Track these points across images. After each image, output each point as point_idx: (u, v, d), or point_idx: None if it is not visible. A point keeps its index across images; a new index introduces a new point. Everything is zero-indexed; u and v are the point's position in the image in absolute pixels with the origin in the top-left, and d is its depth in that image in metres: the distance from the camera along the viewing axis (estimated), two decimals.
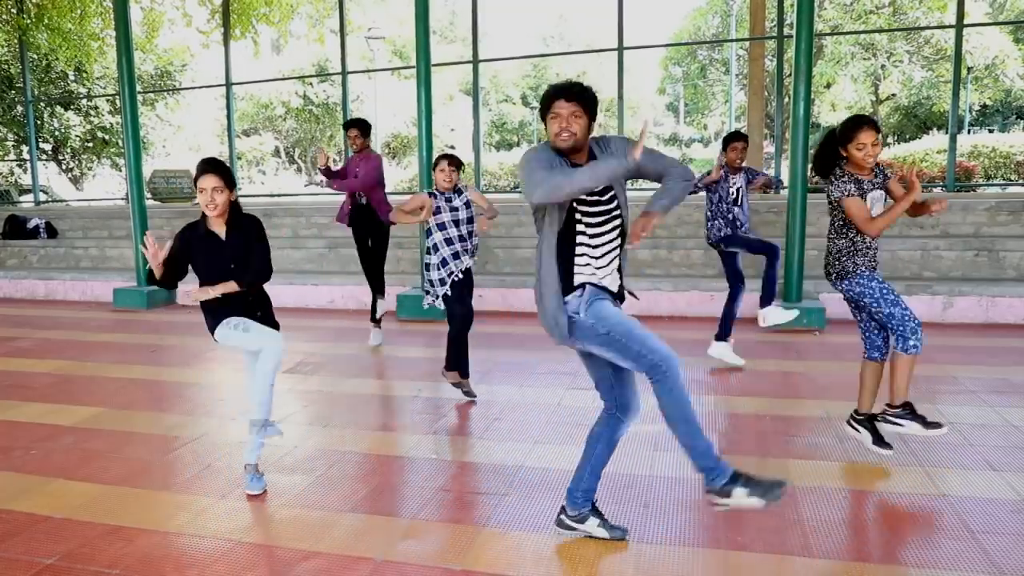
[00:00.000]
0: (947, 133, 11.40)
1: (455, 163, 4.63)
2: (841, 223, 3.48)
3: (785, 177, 7.42)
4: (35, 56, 17.83)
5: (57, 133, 21.30)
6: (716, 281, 7.68)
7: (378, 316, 6.42)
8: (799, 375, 5.19)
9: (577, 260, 2.62)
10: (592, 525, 2.83)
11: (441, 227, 4.56)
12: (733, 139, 5.31)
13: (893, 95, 27.56)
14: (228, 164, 3.34)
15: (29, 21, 14.31)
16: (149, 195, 13.90)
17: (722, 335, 5.44)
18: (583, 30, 42.74)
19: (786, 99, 11.13)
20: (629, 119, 26.30)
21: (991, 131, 25.17)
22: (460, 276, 4.57)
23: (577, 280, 2.63)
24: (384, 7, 31.68)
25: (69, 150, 22.42)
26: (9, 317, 8.55)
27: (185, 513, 3.18)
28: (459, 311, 4.59)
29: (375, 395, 4.98)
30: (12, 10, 14.37)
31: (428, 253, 4.59)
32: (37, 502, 3.32)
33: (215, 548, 2.88)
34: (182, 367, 5.84)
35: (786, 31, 10.72)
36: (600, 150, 2.65)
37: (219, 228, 3.24)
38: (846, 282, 3.47)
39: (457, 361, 4.64)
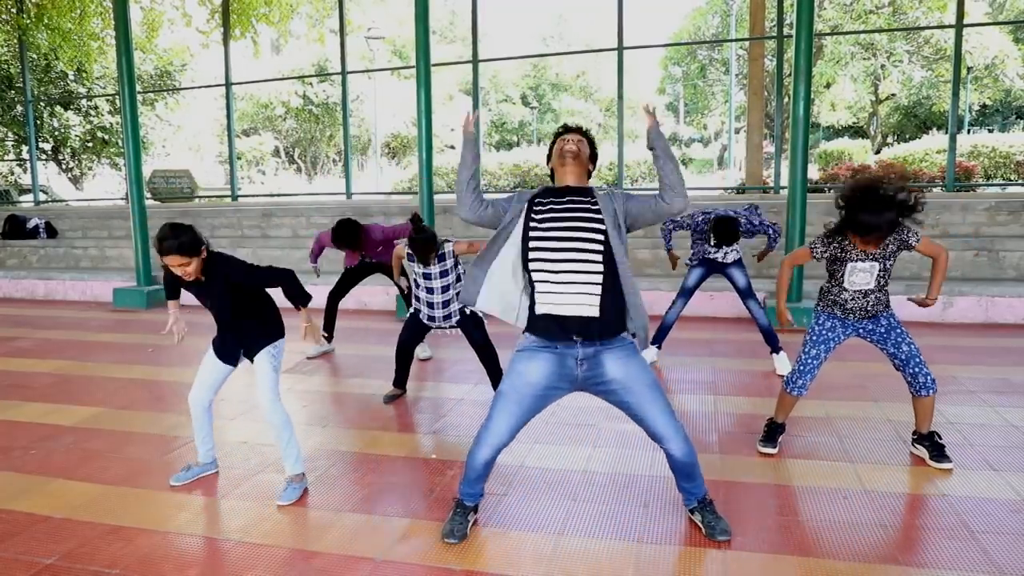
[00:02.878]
0: (947, 133, 11.41)
1: (425, 241, 4.34)
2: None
3: (784, 177, 7.42)
4: (35, 56, 17.83)
5: (57, 133, 21.30)
6: (715, 281, 7.68)
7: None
8: None
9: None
10: (697, 518, 2.93)
11: (417, 285, 4.54)
12: (723, 236, 5.04)
13: (893, 95, 27.57)
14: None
15: (29, 21, 14.31)
16: (149, 195, 13.92)
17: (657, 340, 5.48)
18: (583, 30, 42.76)
19: (786, 99, 11.14)
20: (629, 119, 26.29)
21: (990, 131, 25.18)
22: (428, 320, 4.58)
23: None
24: (384, 7, 31.69)
25: (69, 150, 22.41)
26: (9, 317, 8.55)
27: (185, 513, 3.18)
28: (403, 336, 4.67)
29: (375, 395, 4.98)
30: (12, 10, 14.37)
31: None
32: (37, 502, 3.32)
33: (215, 548, 2.88)
34: (182, 367, 5.84)
35: (786, 31, 10.72)
36: (605, 196, 2.70)
37: (207, 278, 3.29)
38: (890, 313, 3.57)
39: (398, 373, 4.75)
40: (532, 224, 2.67)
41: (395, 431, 4.25)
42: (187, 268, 3.12)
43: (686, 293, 5.35)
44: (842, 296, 3.48)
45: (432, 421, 4.40)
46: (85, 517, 3.15)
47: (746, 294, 5.20)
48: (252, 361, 3.39)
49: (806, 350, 3.59)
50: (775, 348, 5.25)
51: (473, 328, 4.54)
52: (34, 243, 11.50)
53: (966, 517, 2.98)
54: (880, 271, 3.40)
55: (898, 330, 3.47)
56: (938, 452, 3.50)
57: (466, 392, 4.90)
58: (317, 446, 4.02)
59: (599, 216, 2.63)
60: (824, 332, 3.56)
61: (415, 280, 4.55)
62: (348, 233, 5.74)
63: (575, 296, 2.60)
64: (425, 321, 4.60)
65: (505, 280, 2.73)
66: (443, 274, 4.46)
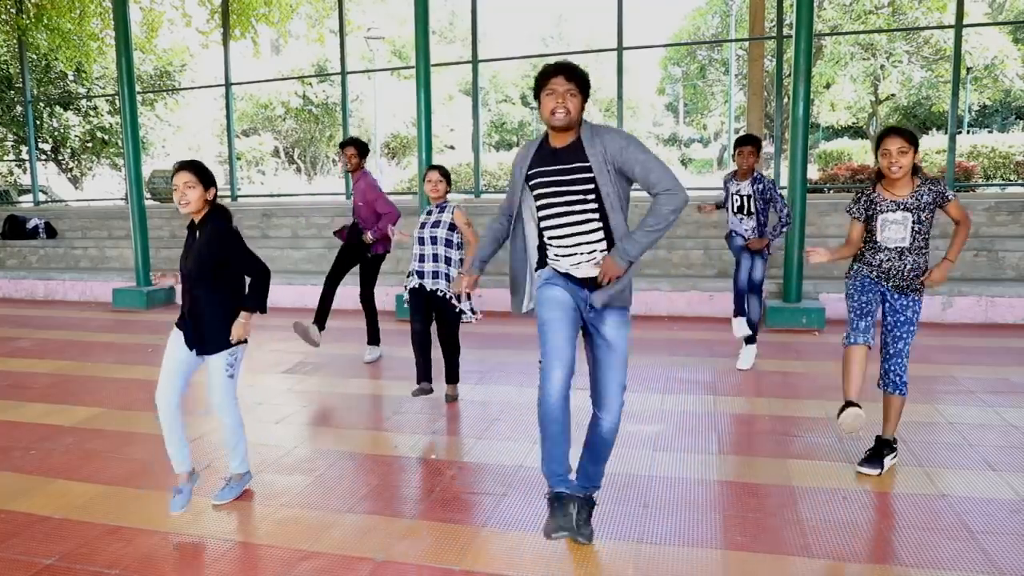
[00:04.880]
0: (947, 133, 11.41)
1: (444, 174, 4.56)
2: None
3: (784, 177, 7.42)
4: (34, 56, 17.81)
5: (56, 133, 21.28)
6: (715, 281, 7.69)
7: (369, 359, 5.88)
8: (799, 375, 5.19)
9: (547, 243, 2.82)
10: None
11: (420, 240, 4.55)
12: (740, 143, 5.09)
13: (892, 95, 27.56)
14: (208, 165, 3.28)
15: (28, 21, 14.30)
16: (148, 195, 13.90)
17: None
18: (583, 30, 42.72)
19: (785, 99, 11.13)
20: (629, 119, 26.31)
21: (990, 131, 25.18)
22: (419, 287, 4.50)
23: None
24: (384, 7, 31.68)
25: (68, 150, 22.40)
26: (9, 317, 8.55)
27: (185, 513, 3.17)
28: (413, 326, 4.56)
29: (375, 395, 4.98)
30: (11, 10, 14.36)
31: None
32: (37, 502, 3.32)
33: (215, 548, 2.88)
34: None
35: (786, 31, 10.72)
36: (592, 136, 2.68)
37: (200, 226, 3.18)
38: (917, 295, 3.43)
39: (421, 369, 4.59)
40: (537, 203, 2.76)
41: (395, 431, 4.25)
42: (191, 191, 3.06)
43: (741, 256, 5.23)
44: (876, 258, 3.35)
45: (432, 421, 4.40)
46: (85, 517, 3.15)
47: (755, 288, 5.23)
48: (205, 357, 3.18)
49: (855, 298, 3.41)
50: (750, 340, 5.31)
51: (452, 319, 4.54)
52: (34, 243, 11.49)
53: (966, 517, 2.98)
54: (914, 223, 3.25)
55: (911, 325, 3.37)
56: (874, 456, 3.41)
57: (466, 392, 4.89)
58: (317, 446, 4.02)
59: (588, 176, 2.64)
60: (868, 282, 3.40)
61: (417, 239, 4.56)
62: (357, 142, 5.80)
63: (582, 264, 2.72)
64: (416, 286, 4.49)
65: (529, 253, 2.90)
66: (435, 224, 4.49)
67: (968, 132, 23.62)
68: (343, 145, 5.82)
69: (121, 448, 4.02)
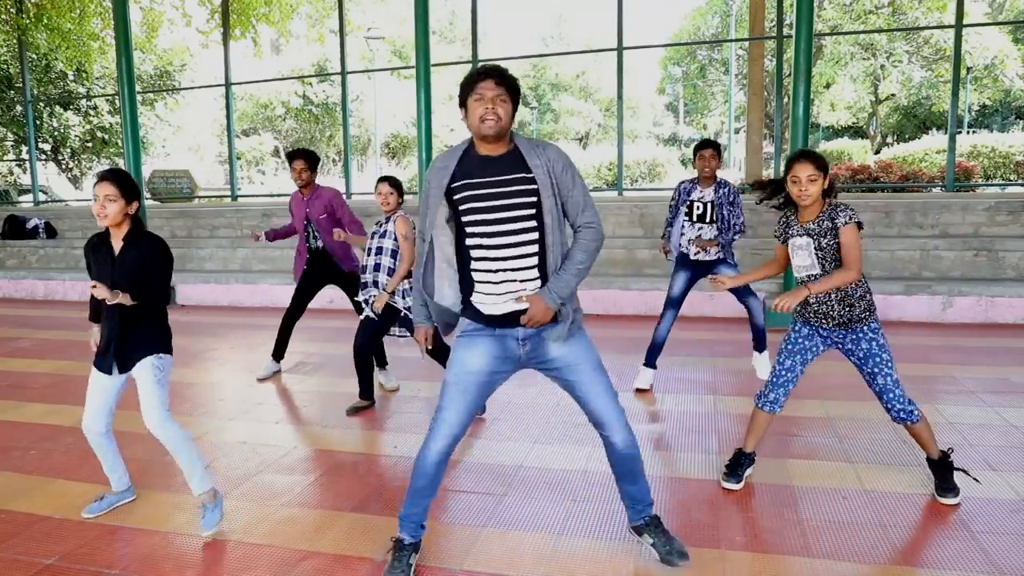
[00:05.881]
0: (946, 133, 11.41)
1: (395, 185, 4.46)
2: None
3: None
4: (34, 56, 17.83)
5: (56, 133, 21.29)
6: None
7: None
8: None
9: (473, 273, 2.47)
10: (646, 541, 2.71)
11: (368, 251, 4.53)
12: (701, 147, 4.76)
13: (892, 95, 27.57)
14: (130, 175, 3.04)
15: (28, 21, 14.31)
16: (148, 195, 13.92)
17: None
18: (583, 30, 42.71)
19: (786, 99, 11.14)
20: (629, 119, 26.31)
21: (990, 131, 25.18)
22: (365, 303, 4.50)
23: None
24: (384, 7, 31.67)
25: (68, 150, 22.41)
26: (9, 317, 8.55)
27: (185, 513, 3.17)
28: (358, 337, 4.53)
29: (374, 395, 4.98)
30: (11, 10, 14.37)
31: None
32: (37, 502, 3.32)
33: (215, 548, 2.88)
34: (181, 367, 5.83)
35: (786, 31, 10.73)
36: (532, 147, 2.43)
37: (116, 242, 2.97)
38: (872, 323, 3.15)
39: (361, 384, 4.59)
40: (464, 219, 2.42)
41: (394, 431, 4.25)
42: (111, 204, 2.87)
43: (673, 303, 4.84)
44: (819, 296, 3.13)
45: (431, 421, 4.39)
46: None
47: (744, 291, 4.88)
48: (127, 371, 3.05)
49: (780, 360, 3.26)
50: (760, 347, 5.10)
51: (372, 329, 4.50)
52: (34, 243, 11.49)
53: (966, 517, 2.98)
54: (817, 249, 3.05)
55: (878, 357, 3.08)
56: (944, 482, 3.15)
57: None
58: (317, 446, 4.02)
59: (531, 187, 2.38)
60: (800, 340, 3.22)
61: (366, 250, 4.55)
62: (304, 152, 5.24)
63: (509, 299, 2.44)
64: (362, 298, 4.50)
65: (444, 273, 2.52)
66: (382, 235, 4.47)
67: (968, 132, 23.62)
68: (291, 157, 5.21)
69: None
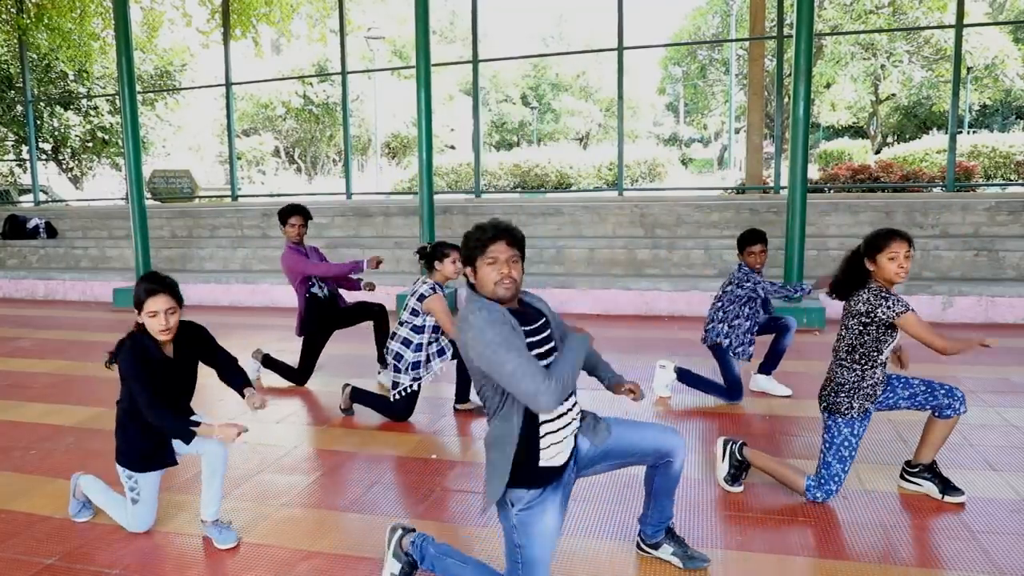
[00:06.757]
0: (947, 133, 11.41)
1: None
2: (856, 351, 3.01)
3: (784, 177, 7.42)
4: (35, 56, 17.83)
5: (57, 133, 21.29)
6: (715, 281, 7.68)
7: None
8: (799, 375, 5.18)
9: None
10: (666, 552, 2.68)
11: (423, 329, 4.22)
12: (749, 242, 4.39)
13: (893, 95, 27.58)
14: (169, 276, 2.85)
15: (29, 21, 14.30)
16: (149, 195, 13.91)
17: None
18: (583, 30, 42.74)
19: (786, 99, 11.14)
20: (629, 119, 26.31)
21: (991, 131, 25.18)
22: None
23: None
24: (384, 7, 31.69)
25: (69, 150, 22.41)
26: (9, 317, 8.55)
27: (185, 513, 3.18)
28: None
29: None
30: (12, 10, 14.37)
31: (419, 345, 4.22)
32: (37, 502, 3.32)
33: (215, 548, 2.88)
34: None
35: (786, 31, 10.72)
36: (529, 296, 2.41)
37: (168, 349, 2.87)
38: (834, 417, 3.06)
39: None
40: None
41: (395, 431, 4.25)
42: (172, 318, 2.74)
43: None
44: (877, 376, 3.02)
45: (432, 421, 4.40)
46: (85, 517, 3.15)
47: (779, 317, 4.79)
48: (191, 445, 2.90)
49: (842, 460, 3.04)
50: (769, 370, 4.84)
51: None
52: (34, 243, 11.49)
53: (966, 517, 2.98)
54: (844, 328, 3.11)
55: (913, 389, 3.11)
56: (945, 483, 3.17)
57: None
58: (317, 446, 4.02)
59: (550, 332, 2.35)
60: (857, 441, 3.04)
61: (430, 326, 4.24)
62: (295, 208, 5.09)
63: (567, 437, 2.32)
64: (388, 380, 4.37)
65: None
66: (412, 312, 4.21)
67: (968, 132, 23.63)
68: (286, 215, 5.05)
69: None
